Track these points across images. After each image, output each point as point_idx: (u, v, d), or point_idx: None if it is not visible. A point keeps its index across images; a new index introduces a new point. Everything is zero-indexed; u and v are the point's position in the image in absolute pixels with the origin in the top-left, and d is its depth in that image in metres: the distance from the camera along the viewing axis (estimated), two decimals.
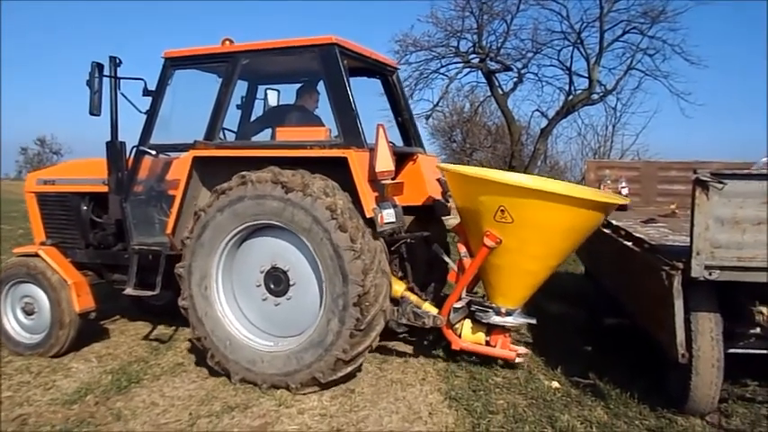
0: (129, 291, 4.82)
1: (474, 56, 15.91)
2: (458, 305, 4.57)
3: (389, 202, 4.19)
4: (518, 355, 4.54)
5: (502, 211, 4.08)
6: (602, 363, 4.64)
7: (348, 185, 4.04)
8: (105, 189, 5.03)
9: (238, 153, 4.45)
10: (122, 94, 4.80)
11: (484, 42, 15.54)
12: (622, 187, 6.54)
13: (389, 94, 5.45)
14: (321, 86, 5.07)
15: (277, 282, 4.26)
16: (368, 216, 3.99)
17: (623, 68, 15.50)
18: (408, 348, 5.15)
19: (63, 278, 4.86)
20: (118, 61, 4.77)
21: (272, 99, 5.44)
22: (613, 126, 17.43)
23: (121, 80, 4.79)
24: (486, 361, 4.72)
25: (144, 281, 4.82)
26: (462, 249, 4.67)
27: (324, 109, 5.11)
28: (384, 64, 5.22)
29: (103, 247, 5.30)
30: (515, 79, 16.42)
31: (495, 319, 4.50)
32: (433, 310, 4.57)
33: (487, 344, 4.59)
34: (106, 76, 4.69)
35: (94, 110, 4.64)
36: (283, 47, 4.41)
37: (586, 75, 15.53)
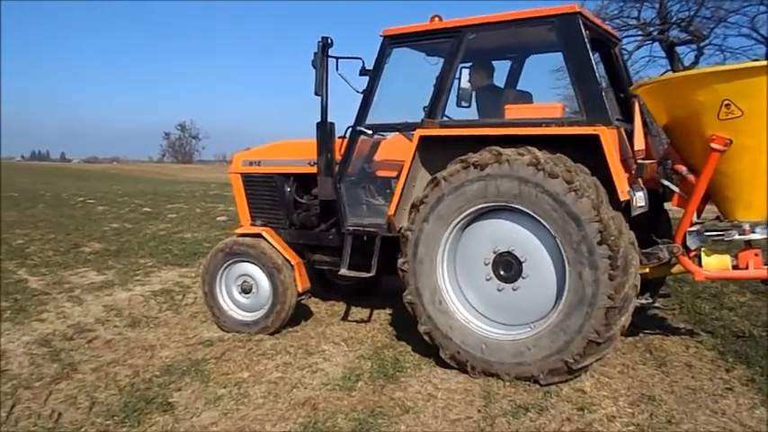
0: (343, 271, 4.73)
1: (652, 28, 14.44)
2: (692, 229, 4.06)
3: (639, 185, 3.77)
4: None
5: (727, 105, 3.56)
6: None
7: (588, 165, 3.67)
8: (310, 170, 4.93)
9: (469, 132, 4.19)
10: (340, 75, 4.66)
11: (666, 12, 14.05)
12: None
13: (610, 68, 4.96)
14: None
15: (507, 267, 3.97)
16: (622, 199, 3.58)
17: None
18: (683, 348, 4.52)
19: (287, 258, 4.79)
20: (330, 41, 4.61)
21: (465, 78, 4.99)
22: None
23: (339, 60, 4.65)
24: None
25: (350, 261, 4.70)
26: (682, 169, 4.05)
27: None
28: (610, 35, 4.86)
29: (306, 227, 5.25)
30: (695, 52, 14.75)
31: (740, 237, 3.96)
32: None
33: (735, 267, 4.05)
34: (327, 56, 4.55)
35: (319, 90, 4.57)
36: (517, 19, 4.08)
37: None
